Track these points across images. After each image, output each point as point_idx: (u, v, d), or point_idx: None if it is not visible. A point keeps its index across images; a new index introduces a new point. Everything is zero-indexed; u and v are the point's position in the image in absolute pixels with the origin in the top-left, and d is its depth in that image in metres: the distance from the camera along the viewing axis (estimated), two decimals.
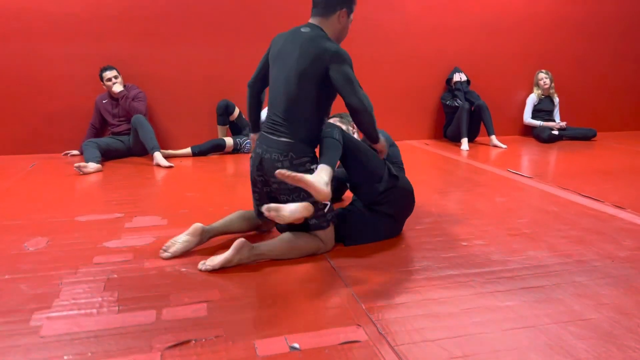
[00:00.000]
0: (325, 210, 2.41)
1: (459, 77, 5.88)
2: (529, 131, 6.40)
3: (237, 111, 5.16)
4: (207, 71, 5.38)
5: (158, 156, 4.60)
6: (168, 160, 4.64)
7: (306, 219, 2.37)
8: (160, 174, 4.31)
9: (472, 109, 5.73)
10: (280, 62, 2.44)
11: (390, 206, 2.57)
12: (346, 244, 2.55)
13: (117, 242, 2.60)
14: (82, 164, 4.22)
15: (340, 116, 3.03)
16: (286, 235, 2.41)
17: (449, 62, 6.08)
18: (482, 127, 5.78)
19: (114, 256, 2.41)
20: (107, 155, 4.79)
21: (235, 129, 5.28)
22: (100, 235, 2.70)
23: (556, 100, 6.28)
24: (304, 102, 2.36)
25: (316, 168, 2.27)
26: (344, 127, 3.00)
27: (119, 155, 4.92)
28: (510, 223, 2.90)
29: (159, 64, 5.25)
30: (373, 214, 2.58)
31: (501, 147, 5.54)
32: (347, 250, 2.49)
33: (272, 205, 2.16)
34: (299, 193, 2.33)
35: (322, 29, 2.41)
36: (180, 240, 2.44)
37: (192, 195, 3.50)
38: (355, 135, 3.02)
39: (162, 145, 5.24)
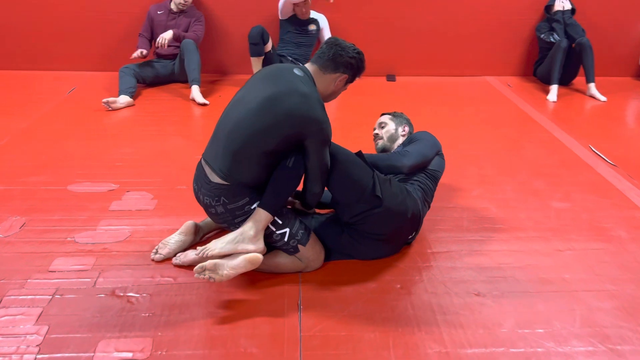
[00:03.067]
0: (286, 239, 2.03)
1: (561, 4, 4.78)
2: None
3: (270, 42, 4.44)
4: None
5: (195, 90, 4.27)
6: (205, 98, 4.29)
7: (271, 244, 2.05)
8: (193, 113, 4.05)
9: (573, 46, 4.69)
10: (253, 88, 2.00)
11: (371, 227, 2.11)
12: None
13: (89, 234, 2.40)
14: (112, 99, 4.00)
15: (394, 115, 2.62)
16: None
17: None
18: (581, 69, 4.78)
19: (75, 260, 2.21)
20: (147, 81, 4.53)
21: (268, 63, 4.52)
22: (79, 221, 2.51)
23: None
24: (257, 145, 1.92)
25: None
26: (393, 125, 2.57)
27: (160, 82, 4.63)
28: (550, 260, 2.31)
29: None
30: (351, 231, 2.16)
31: (599, 100, 4.57)
32: (327, 279, 2.11)
33: (208, 262, 1.80)
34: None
35: (314, 81, 2.03)
36: (173, 240, 2.25)
37: None
38: (400, 140, 2.54)
39: (212, 70, 4.94)
